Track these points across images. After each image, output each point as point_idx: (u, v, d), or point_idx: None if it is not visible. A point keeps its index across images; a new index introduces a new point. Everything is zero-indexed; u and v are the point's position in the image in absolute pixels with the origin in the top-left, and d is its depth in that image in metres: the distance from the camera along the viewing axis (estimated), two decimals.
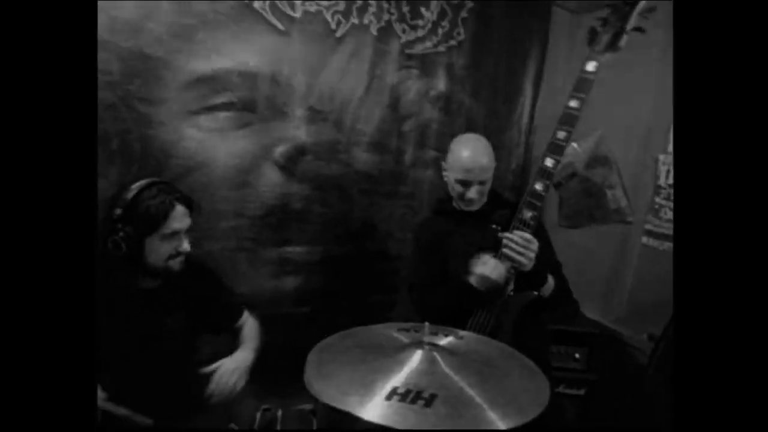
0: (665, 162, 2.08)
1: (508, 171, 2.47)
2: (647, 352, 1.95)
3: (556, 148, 1.38)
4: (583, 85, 1.37)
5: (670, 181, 2.07)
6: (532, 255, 1.38)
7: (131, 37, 1.65)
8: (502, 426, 0.83)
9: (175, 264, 1.34)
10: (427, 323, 1.07)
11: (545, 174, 1.39)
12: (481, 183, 1.55)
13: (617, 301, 2.29)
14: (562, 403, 2.03)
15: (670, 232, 2.05)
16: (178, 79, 1.73)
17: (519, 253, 1.37)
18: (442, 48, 2.18)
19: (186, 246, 1.33)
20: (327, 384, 0.93)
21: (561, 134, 1.38)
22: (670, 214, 2.06)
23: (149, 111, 1.72)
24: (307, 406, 1.96)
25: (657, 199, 2.12)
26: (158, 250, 1.30)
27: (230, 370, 1.36)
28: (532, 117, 2.48)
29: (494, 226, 1.48)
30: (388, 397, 0.88)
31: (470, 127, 2.26)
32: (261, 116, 1.87)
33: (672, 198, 2.05)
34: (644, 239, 2.17)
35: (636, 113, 2.22)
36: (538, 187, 1.39)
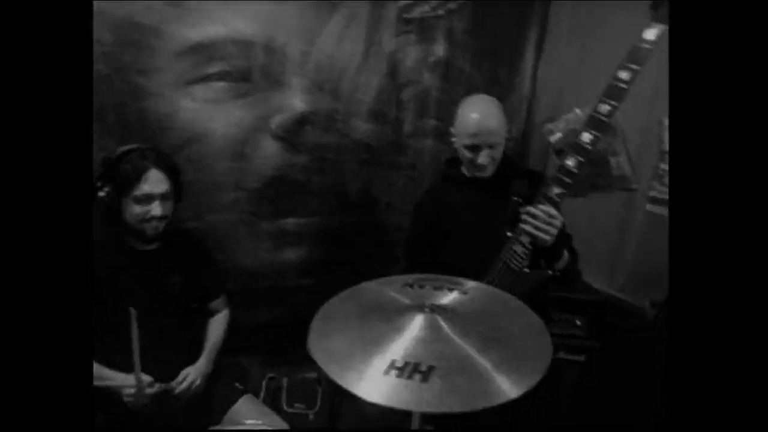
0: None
1: (509, 138, 2.43)
2: (649, 318, 1.95)
3: (597, 124, 1.26)
4: (637, 55, 1.22)
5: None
6: (555, 232, 1.31)
7: (123, 5, 1.61)
8: (504, 394, 0.82)
9: (149, 228, 1.36)
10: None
11: (580, 150, 1.28)
12: (492, 147, 1.45)
13: (620, 269, 2.29)
14: (562, 369, 2.05)
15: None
16: (172, 48, 1.70)
17: (542, 230, 1.31)
18: (441, 11, 2.11)
19: (157, 211, 1.34)
20: (328, 356, 0.92)
21: (604, 108, 1.25)
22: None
23: (144, 82, 1.69)
24: (312, 375, 2.00)
25: (661, 165, 2.09)
26: (132, 212, 1.35)
27: (193, 379, 1.43)
28: (533, 82, 2.42)
29: (515, 198, 1.42)
30: (386, 372, 0.86)
31: (471, 94, 2.22)
32: (257, 86, 1.84)
33: None
34: (648, 206, 2.14)
35: (640, 76, 2.15)
36: (570, 163, 1.29)
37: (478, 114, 1.46)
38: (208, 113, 1.79)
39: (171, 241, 1.46)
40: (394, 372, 0.87)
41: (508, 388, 0.84)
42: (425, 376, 0.86)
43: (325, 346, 0.96)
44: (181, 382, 1.40)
